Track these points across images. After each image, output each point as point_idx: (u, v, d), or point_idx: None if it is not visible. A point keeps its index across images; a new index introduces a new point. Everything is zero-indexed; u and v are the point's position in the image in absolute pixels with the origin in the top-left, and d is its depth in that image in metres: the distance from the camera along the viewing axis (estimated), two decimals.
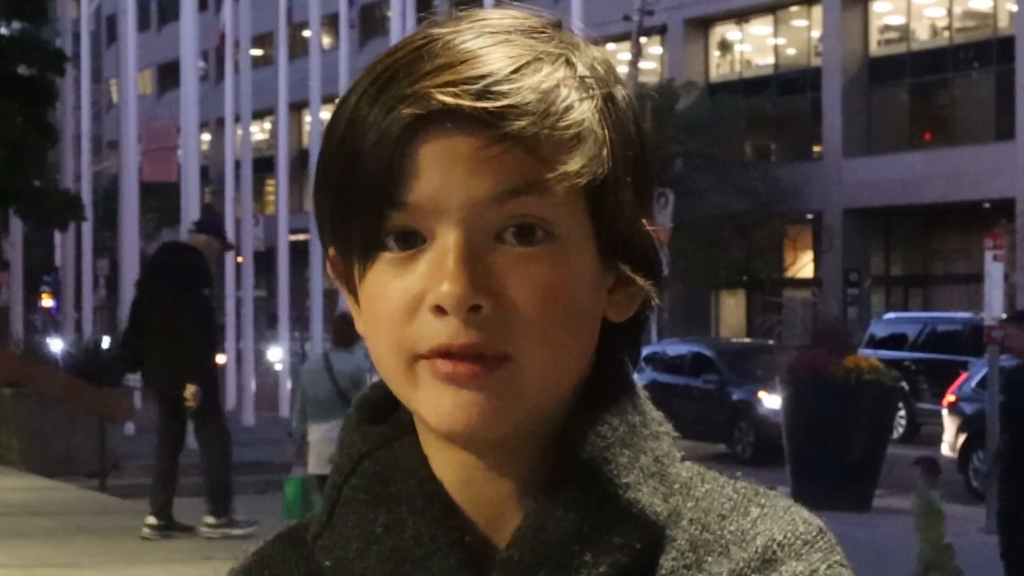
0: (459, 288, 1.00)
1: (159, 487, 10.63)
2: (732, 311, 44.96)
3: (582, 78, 1.05)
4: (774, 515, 1.07)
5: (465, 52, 1.02)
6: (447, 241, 1.01)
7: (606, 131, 1.04)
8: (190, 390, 10.40)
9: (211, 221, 12.08)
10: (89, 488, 14.61)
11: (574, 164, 1.02)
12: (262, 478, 15.52)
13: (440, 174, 1.01)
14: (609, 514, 1.03)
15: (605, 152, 1.04)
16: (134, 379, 19.10)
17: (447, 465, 1.07)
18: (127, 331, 11.21)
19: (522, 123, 1.00)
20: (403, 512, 1.06)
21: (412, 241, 1.03)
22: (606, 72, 1.06)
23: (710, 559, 1.05)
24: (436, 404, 1.02)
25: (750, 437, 21.14)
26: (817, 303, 19.73)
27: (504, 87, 1.01)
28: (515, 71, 1.02)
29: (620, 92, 1.07)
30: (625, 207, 1.06)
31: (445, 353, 1.01)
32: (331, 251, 1.10)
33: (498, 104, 1.00)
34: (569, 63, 1.05)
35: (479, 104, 1.00)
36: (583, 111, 1.03)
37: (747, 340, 31.34)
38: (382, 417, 1.12)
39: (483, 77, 1.01)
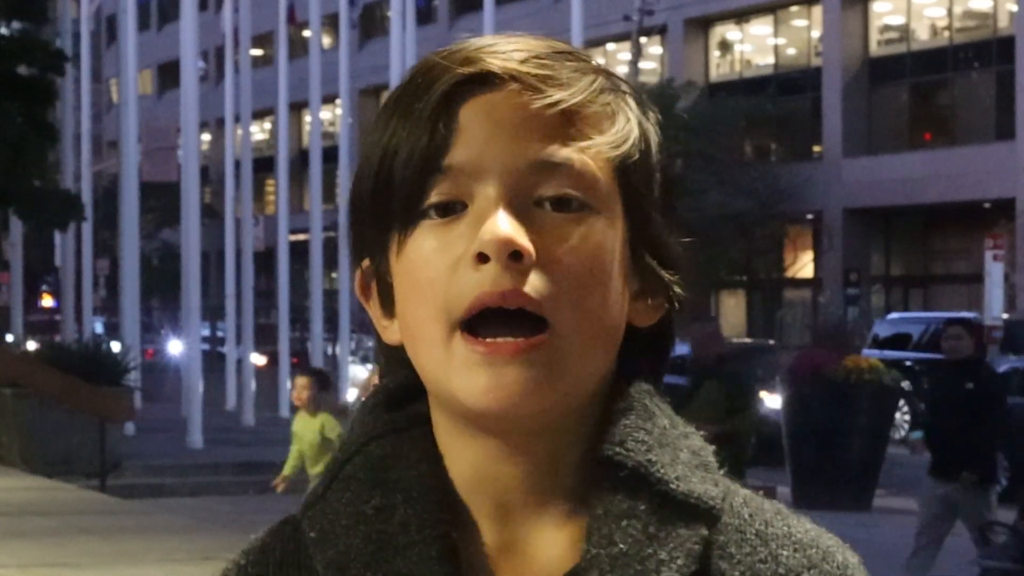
0: (500, 232, 1.02)
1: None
2: (732, 311, 44.92)
3: (614, 77, 1.10)
4: (820, 531, 1.10)
5: (507, 40, 1.09)
6: (487, 197, 1.04)
7: (637, 123, 1.09)
8: None
9: None
10: (89, 488, 14.60)
11: (609, 136, 1.07)
12: (262, 478, 15.49)
13: (483, 137, 1.05)
14: (670, 509, 1.05)
15: (637, 135, 1.08)
16: (134, 379, 19.13)
17: (464, 455, 1.08)
18: None
19: (564, 93, 1.05)
20: (397, 499, 1.07)
21: (452, 211, 1.05)
22: (635, 87, 1.12)
23: (773, 544, 1.07)
24: (473, 382, 1.03)
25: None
26: (820, 304, 19.73)
27: (546, 62, 1.07)
28: (556, 52, 1.08)
29: (650, 111, 1.12)
30: (655, 201, 1.10)
31: (485, 304, 1.02)
32: (364, 263, 1.12)
33: (542, 72, 1.05)
34: (599, 66, 1.10)
35: (525, 69, 1.05)
36: (616, 99, 1.09)
37: (747, 340, 31.31)
38: (398, 406, 1.13)
39: (528, 51, 1.07)
